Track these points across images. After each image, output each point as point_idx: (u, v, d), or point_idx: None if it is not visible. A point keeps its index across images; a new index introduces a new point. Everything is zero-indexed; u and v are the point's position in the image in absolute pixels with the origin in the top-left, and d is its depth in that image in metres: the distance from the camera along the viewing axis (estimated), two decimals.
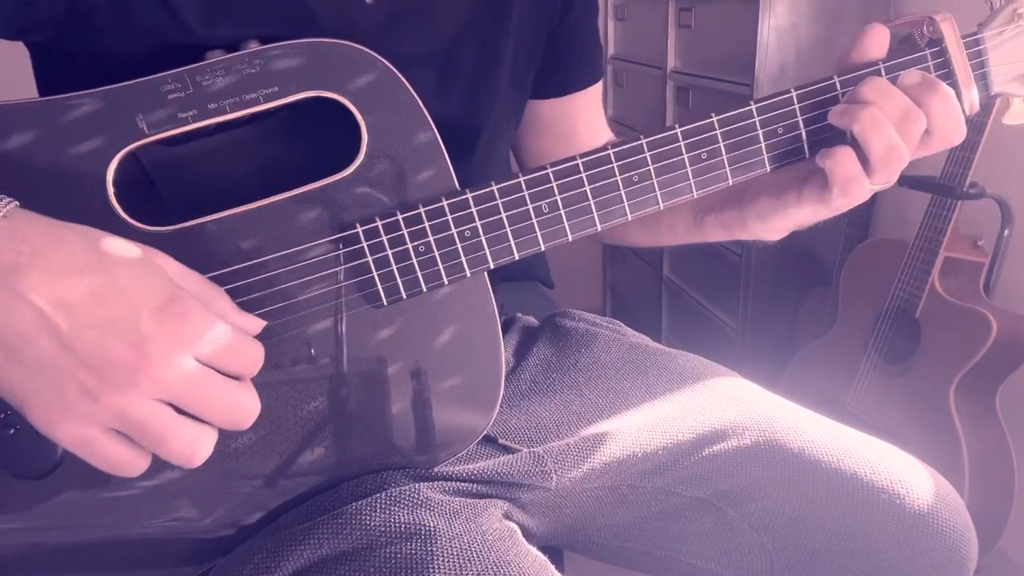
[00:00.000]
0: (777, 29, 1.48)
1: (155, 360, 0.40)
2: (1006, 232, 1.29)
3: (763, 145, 0.57)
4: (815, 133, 0.57)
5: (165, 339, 0.41)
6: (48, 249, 0.40)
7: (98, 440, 0.42)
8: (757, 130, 0.56)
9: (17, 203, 0.42)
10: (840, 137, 0.57)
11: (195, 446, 0.43)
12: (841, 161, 0.54)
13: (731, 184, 0.57)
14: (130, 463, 0.43)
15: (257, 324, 0.49)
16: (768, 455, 0.68)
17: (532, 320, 0.85)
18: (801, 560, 0.68)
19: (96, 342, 0.40)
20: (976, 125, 1.19)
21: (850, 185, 0.55)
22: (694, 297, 1.92)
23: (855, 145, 0.54)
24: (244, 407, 0.45)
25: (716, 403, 0.71)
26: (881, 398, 1.38)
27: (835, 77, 0.57)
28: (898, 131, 0.53)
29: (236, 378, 0.45)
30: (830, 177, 0.55)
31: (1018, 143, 1.31)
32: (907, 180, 1.31)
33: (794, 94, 0.56)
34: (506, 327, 0.82)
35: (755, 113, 0.56)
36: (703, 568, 0.72)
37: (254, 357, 0.46)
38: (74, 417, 0.40)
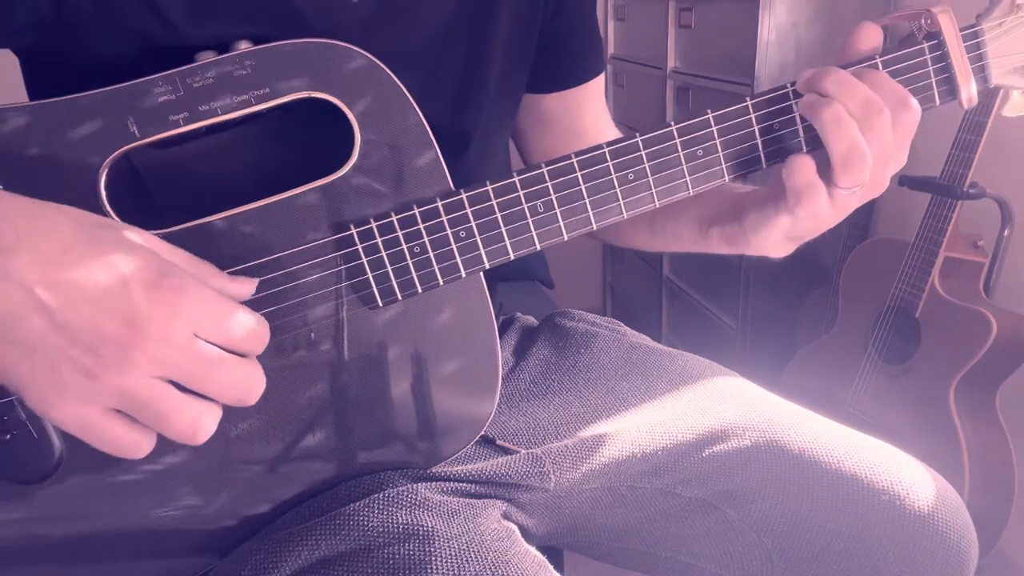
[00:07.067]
0: (777, 29, 1.48)
1: (150, 336, 0.39)
2: (1006, 232, 1.29)
3: (759, 142, 0.57)
4: (811, 129, 0.56)
5: (159, 314, 0.40)
6: (34, 228, 0.39)
7: (98, 421, 0.40)
8: (753, 126, 0.56)
9: (0, 186, 0.41)
10: None
11: (198, 423, 0.42)
12: (797, 169, 0.53)
13: (727, 180, 0.57)
14: (134, 444, 0.42)
15: (249, 287, 0.48)
16: (768, 456, 0.68)
17: (532, 320, 0.85)
18: (801, 561, 0.67)
19: (88, 318, 0.39)
20: (976, 125, 1.19)
21: (803, 193, 0.53)
22: (694, 297, 1.91)
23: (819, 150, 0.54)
24: (248, 382, 0.44)
25: (716, 403, 0.71)
26: (881, 398, 1.38)
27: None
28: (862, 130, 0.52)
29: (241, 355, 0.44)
30: (786, 184, 0.54)
31: (1018, 143, 1.31)
32: (907, 180, 1.30)
33: (790, 89, 0.56)
34: (505, 327, 0.82)
35: (751, 109, 0.56)
36: (703, 569, 0.72)
37: (258, 333, 0.45)
38: (71, 397, 0.39)
